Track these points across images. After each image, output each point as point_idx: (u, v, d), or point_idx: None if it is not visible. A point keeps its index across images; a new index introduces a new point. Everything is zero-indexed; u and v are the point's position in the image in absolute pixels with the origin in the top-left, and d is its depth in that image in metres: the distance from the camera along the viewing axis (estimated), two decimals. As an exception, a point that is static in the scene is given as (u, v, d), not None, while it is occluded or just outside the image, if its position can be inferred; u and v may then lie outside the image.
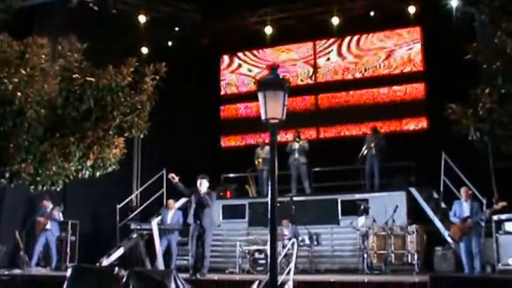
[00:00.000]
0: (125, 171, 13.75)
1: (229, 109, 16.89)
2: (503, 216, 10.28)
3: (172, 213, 12.15)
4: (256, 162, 13.94)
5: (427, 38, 14.80)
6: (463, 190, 10.37)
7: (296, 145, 13.52)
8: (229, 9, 15.45)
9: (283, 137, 14.68)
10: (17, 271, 11.32)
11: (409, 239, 10.90)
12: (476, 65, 8.57)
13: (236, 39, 16.06)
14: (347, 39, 15.73)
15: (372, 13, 14.59)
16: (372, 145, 12.92)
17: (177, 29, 15.77)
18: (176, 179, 10.17)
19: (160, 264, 11.57)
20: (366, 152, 12.94)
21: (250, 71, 16.75)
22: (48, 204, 12.26)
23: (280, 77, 6.02)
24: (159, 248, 11.64)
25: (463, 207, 10.15)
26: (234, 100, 16.85)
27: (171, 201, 12.41)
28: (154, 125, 9.72)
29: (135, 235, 12.55)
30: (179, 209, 12.49)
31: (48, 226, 12.16)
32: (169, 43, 16.09)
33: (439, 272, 10.86)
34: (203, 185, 10.20)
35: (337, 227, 12.45)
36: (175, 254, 11.99)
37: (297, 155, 13.43)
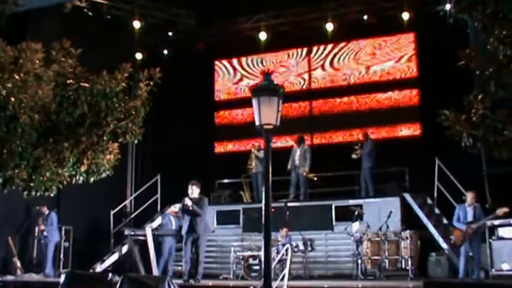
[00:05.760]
0: (119, 177, 13.73)
1: (223, 115, 16.88)
2: (497, 222, 10.26)
3: (173, 219, 12.09)
4: (249, 165, 13.89)
5: (421, 44, 14.84)
6: (469, 195, 10.16)
7: (298, 151, 13.48)
8: (224, 15, 15.48)
9: (283, 143, 14.70)
10: (9, 277, 11.26)
11: (403, 245, 10.92)
12: (469, 71, 8.61)
13: (231, 45, 16.09)
14: (341, 45, 15.75)
15: (366, 19, 14.66)
16: (364, 150, 12.94)
17: (171, 34, 15.79)
18: (189, 204, 10.11)
19: (154, 270, 11.52)
20: (358, 155, 12.96)
21: (244, 77, 16.74)
22: (45, 211, 12.23)
23: (274, 83, 6.03)
24: (153, 254, 11.57)
25: (466, 212, 10.06)
26: (228, 106, 16.83)
27: (172, 208, 12.34)
28: (148, 130, 9.71)
29: (129, 241, 12.50)
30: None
31: (45, 232, 12.12)
32: (164, 49, 16.11)
33: (433, 277, 10.86)
34: (194, 191, 10.12)
35: (331, 233, 12.45)
36: (172, 260, 11.94)
37: (298, 162, 13.40)
